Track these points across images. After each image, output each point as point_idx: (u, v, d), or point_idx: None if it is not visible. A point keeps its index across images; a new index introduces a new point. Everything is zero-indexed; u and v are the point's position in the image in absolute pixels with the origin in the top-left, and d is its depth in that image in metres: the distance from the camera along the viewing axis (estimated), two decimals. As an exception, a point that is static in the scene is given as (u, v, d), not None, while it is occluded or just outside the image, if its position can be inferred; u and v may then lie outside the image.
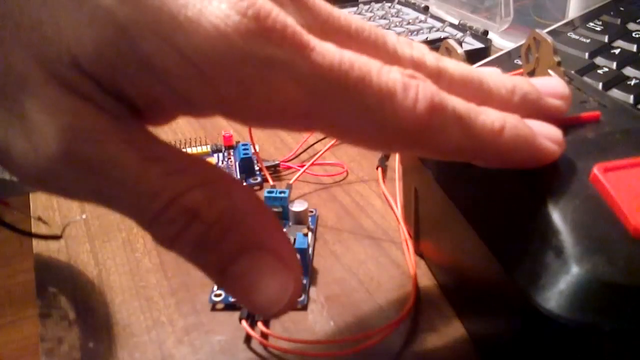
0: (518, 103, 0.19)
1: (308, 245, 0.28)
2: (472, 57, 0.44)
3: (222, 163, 0.38)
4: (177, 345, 0.25)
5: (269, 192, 0.31)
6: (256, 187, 0.36)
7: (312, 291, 0.27)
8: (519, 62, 0.41)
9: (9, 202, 0.32)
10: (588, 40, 0.41)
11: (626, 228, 0.17)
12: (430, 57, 0.19)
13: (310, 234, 0.30)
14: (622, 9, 0.44)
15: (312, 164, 0.35)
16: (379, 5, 0.63)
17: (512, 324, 0.19)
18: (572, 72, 0.27)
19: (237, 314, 0.26)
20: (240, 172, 0.36)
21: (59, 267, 0.30)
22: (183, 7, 0.13)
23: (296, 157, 0.39)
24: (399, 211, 0.31)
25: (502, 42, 0.55)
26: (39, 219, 0.30)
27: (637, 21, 0.42)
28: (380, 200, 0.34)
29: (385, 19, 0.58)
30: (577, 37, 0.42)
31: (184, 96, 0.14)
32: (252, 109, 0.15)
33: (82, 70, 0.14)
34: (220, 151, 0.39)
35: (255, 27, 0.14)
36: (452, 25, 0.56)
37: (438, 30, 0.55)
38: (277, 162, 0.37)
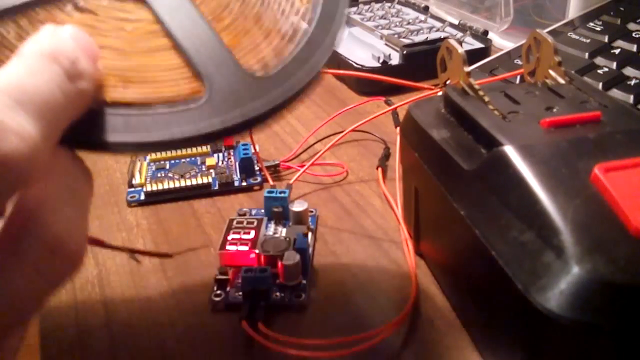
0: None
1: (308, 245, 0.28)
2: (472, 57, 0.44)
3: (222, 163, 0.38)
4: (177, 345, 0.25)
5: (269, 192, 0.31)
6: (256, 187, 0.36)
7: (312, 291, 0.27)
8: (519, 62, 0.41)
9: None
10: (588, 40, 0.41)
11: (627, 228, 0.17)
12: None
13: (310, 234, 0.30)
14: (622, 9, 0.44)
15: (312, 164, 0.35)
16: (379, 5, 0.63)
17: (513, 323, 0.19)
18: (572, 72, 0.27)
19: (237, 314, 0.26)
20: (240, 172, 0.36)
21: (58, 267, 0.30)
22: None
23: (296, 157, 0.39)
24: (399, 211, 0.31)
25: (502, 42, 0.55)
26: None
27: (637, 21, 0.42)
28: (380, 200, 0.34)
29: (385, 19, 0.58)
30: (577, 37, 0.42)
31: None
32: None
33: None
34: (220, 151, 0.39)
35: None
36: (452, 25, 0.56)
37: (438, 30, 0.55)
38: (277, 162, 0.37)
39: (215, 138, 0.20)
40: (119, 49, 0.21)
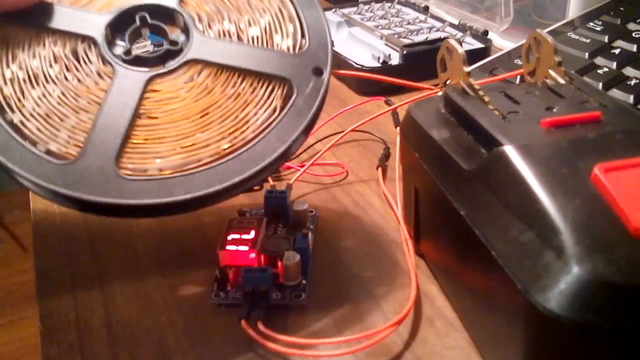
0: None
1: (308, 245, 0.28)
2: (472, 57, 0.44)
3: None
4: (177, 345, 0.25)
5: (269, 192, 0.31)
6: (256, 187, 0.36)
7: (312, 291, 0.27)
8: (519, 62, 0.41)
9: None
10: (588, 40, 0.41)
11: (627, 228, 0.17)
12: None
13: (310, 234, 0.30)
14: (622, 9, 0.44)
15: (312, 164, 0.35)
16: (379, 5, 0.63)
17: (513, 324, 0.19)
18: (572, 72, 0.27)
19: (237, 314, 0.26)
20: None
21: (59, 267, 0.30)
22: None
23: (296, 157, 0.38)
24: (399, 211, 0.31)
25: (502, 42, 0.55)
26: None
27: (637, 21, 0.42)
28: (380, 200, 0.34)
29: (385, 19, 0.58)
30: (577, 37, 0.42)
31: None
32: None
33: None
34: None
35: None
36: (452, 25, 0.56)
37: (438, 30, 0.55)
38: (277, 162, 0.37)
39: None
40: None
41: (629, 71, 0.37)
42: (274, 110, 0.26)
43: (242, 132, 0.26)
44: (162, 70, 0.27)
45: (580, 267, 0.17)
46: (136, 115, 0.25)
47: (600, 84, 0.36)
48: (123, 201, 0.23)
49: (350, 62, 0.48)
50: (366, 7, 0.62)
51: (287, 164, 0.37)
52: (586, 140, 0.21)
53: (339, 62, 0.50)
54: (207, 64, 0.27)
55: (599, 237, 0.17)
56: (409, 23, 0.57)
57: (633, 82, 0.36)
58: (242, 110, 0.26)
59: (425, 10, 0.60)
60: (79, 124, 0.25)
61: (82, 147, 0.24)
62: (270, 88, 0.27)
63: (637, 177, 0.18)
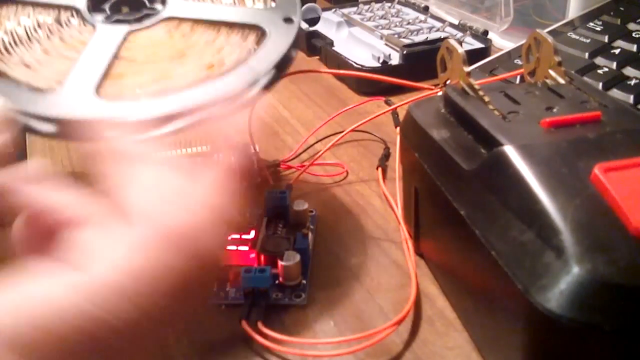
0: None
1: (308, 245, 0.28)
2: (472, 57, 0.44)
3: (222, 163, 0.38)
4: (177, 345, 0.25)
5: (269, 192, 0.31)
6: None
7: (312, 291, 0.27)
8: (519, 62, 0.41)
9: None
10: (588, 40, 0.41)
11: (627, 228, 0.17)
12: None
13: (310, 234, 0.30)
14: (622, 9, 0.44)
15: (312, 164, 0.35)
16: (379, 5, 0.63)
17: (513, 323, 0.19)
18: (572, 72, 0.27)
19: (237, 314, 0.25)
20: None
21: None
22: None
23: (296, 157, 0.38)
24: (399, 211, 0.31)
25: (502, 42, 0.55)
26: None
27: (637, 21, 0.42)
28: (380, 200, 0.34)
29: (385, 19, 0.58)
30: (577, 37, 0.42)
31: None
32: None
33: None
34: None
35: None
36: (452, 25, 0.56)
37: (438, 30, 0.55)
38: (277, 162, 0.37)
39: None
40: None
41: (629, 71, 0.38)
42: (249, 51, 0.28)
43: (219, 66, 0.27)
44: (140, 26, 0.29)
45: (580, 267, 0.17)
46: (116, 57, 0.27)
47: (600, 84, 0.36)
48: (99, 115, 0.24)
49: (350, 62, 0.48)
50: (366, 7, 0.62)
51: (287, 163, 0.37)
52: (586, 140, 0.21)
53: (339, 62, 0.50)
54: (183, 19, 0.30)
55: (599, 237, 0.17)
56: (409, 23, 0.57)
57: (633, 82, 0.36)
58: (218, 52, 0.28)
59: (425, 10, 0.60)
60: (61, 67, 0.27)
61: (63, 82, 0.26)
62: (244, 34, 0.29)
63: (637, 177, 0.18)
